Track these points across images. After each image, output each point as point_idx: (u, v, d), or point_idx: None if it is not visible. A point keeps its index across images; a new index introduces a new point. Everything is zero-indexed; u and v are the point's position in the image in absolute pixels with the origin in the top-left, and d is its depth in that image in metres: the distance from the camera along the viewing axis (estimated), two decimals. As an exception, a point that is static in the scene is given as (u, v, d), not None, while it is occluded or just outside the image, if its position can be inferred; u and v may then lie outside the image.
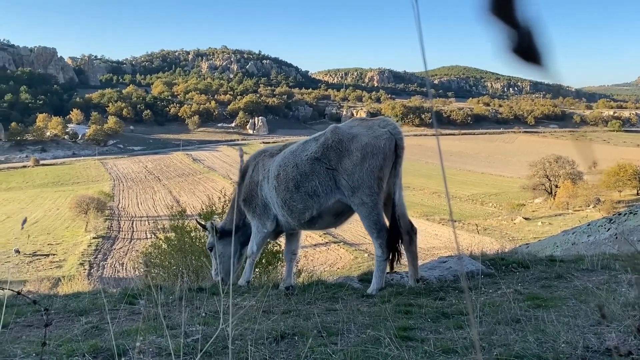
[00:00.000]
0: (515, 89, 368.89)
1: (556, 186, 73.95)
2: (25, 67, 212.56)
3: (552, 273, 6.15)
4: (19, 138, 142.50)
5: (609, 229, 11.50)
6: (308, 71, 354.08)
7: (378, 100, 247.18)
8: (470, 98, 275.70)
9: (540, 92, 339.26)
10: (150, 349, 3.60)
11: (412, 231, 6.21)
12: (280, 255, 11.58)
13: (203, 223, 8.08)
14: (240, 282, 6.87)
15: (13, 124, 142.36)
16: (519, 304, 4.66)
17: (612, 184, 73.19)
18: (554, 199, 72.13)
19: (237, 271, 7.18)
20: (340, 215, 6.53)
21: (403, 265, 6.56)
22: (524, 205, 73.68)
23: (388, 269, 6.40)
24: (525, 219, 64.36)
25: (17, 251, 49.72)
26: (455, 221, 60.57)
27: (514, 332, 3.79)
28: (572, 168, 75.05)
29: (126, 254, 49.42)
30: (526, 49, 0.73)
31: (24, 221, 3.61)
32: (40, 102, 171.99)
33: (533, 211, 70.66)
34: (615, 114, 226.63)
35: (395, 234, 6.07)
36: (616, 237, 10.69)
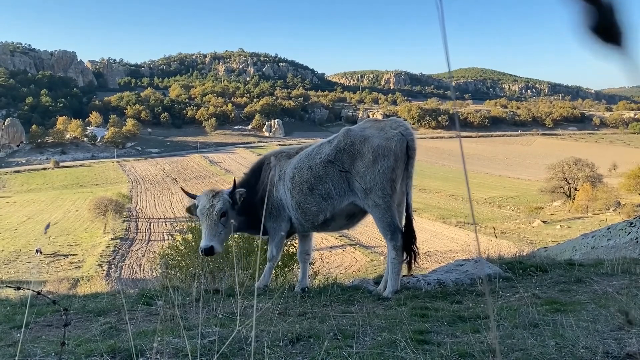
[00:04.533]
0: (533, 90, 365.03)
1: (575, 189, 72.95)
2: (46, 70, 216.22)
3: (571, 277, 6.08)
4: (39, 140, 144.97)
5: (629, 233, 11.31)
6: (324, 74, 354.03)
7: (394, 102, 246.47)
8: (488, 100, 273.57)
9: (559, 94, 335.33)
10: (167, 350, 3.63)
11: None
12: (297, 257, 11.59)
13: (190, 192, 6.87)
14: (257, 284, 6.85)
15: (34, 126, 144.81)
16: (537, 308, 4.61)
17: (633, 186, 71.93)
18: (573, 202, 71.15)
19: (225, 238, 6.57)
20: (353, 217, 6.53)
21: (420, 267, 6.53)
22: (542, 208, 72.80)
23: (406, 271, 6.38)
24: (544, 222, 63.56)
25: (39, 251, 50.36)
26: (472, 224, 60.07)
27: (532, 336, 3.75)
28: (591, 171, 73.97)
29: (144, 255, 49.86)
30: (606, 27, 0.66)
31: (47, 226, 3.65)
32: (60, 105, 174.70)
33: (551, 214, 69.78)
34: (636, 116, 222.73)
35: (410, 235, 6.06)
36: (637, 241, 10.53)
